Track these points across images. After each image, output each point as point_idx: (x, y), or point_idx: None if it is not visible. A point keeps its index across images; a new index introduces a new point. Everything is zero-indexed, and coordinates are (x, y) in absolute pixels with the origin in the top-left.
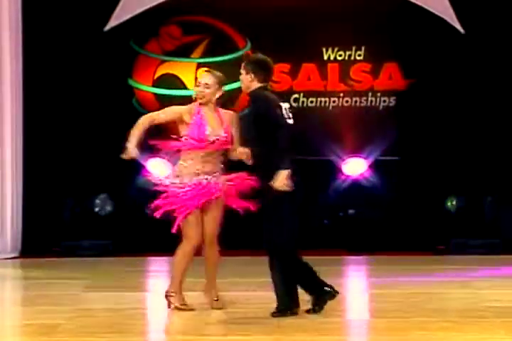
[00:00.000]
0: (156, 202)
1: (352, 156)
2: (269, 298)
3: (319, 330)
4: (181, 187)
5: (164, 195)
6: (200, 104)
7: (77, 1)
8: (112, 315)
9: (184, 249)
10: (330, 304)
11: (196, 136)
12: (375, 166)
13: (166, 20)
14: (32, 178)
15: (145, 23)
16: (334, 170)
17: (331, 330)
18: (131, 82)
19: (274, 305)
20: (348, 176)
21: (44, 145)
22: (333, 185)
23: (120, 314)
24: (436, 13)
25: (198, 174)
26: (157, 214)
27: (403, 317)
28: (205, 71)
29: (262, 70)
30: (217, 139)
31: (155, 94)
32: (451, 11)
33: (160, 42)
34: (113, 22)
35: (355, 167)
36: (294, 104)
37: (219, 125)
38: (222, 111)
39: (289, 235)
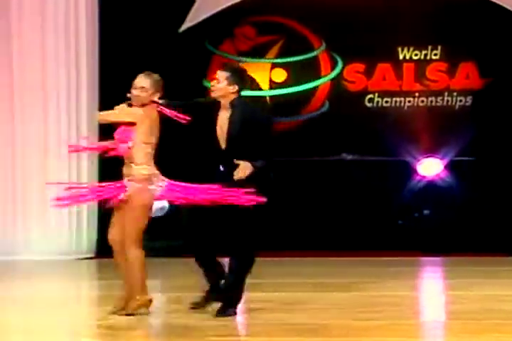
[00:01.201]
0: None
1: (427, 157)
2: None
3: (393, 331)
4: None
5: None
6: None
7: (152, 2)
8: (182, 315)
9: None
10: (405, 305)
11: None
12: (450, 166)
13: (240, 20)
14: (108, 180)
15: (220, 24)
16: (409, 170)
17: (405, 332)
18: (205, 82)
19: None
20: (423, 177)
21: None
22: (408, 185)
23: (190, 315)
24: None
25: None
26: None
27: (479, 319)
28: (143, 74)
29: (244, 83)
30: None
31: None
32: None
33: (235, 42)
34: (188, 23)
35: (430, 167)
36: (369, 104)
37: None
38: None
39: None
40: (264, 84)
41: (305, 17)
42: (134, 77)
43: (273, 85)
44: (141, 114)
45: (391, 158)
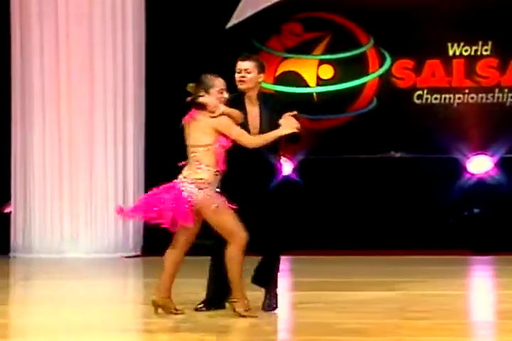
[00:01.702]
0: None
1: (477, 154)
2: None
3: (443, 331)
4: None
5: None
6: None
7: None
8: (224, 314)
9: (238, 248)
10: (456, 304)
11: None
12: (500, 164)
13: (287, 17)
14: (154, 178)
15: (266, 20)
16: (459, 168)
17: (456, 331)
18: None
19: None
20: (473, 174)
21: (165, 144)
22: (457, 183)
23: (235, 314)
24: None
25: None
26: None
27: None
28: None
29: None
30: None
31: (276, 92)
32: None
33: (281, 39)
34: (235, 19)
35: (480, 165)
36: (418, 101)
37: None
38: None
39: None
40: (312, 80)
41: (352, 13)
42: (181, 73)
43: (320, 82)
44: None
45: (440, 156)
